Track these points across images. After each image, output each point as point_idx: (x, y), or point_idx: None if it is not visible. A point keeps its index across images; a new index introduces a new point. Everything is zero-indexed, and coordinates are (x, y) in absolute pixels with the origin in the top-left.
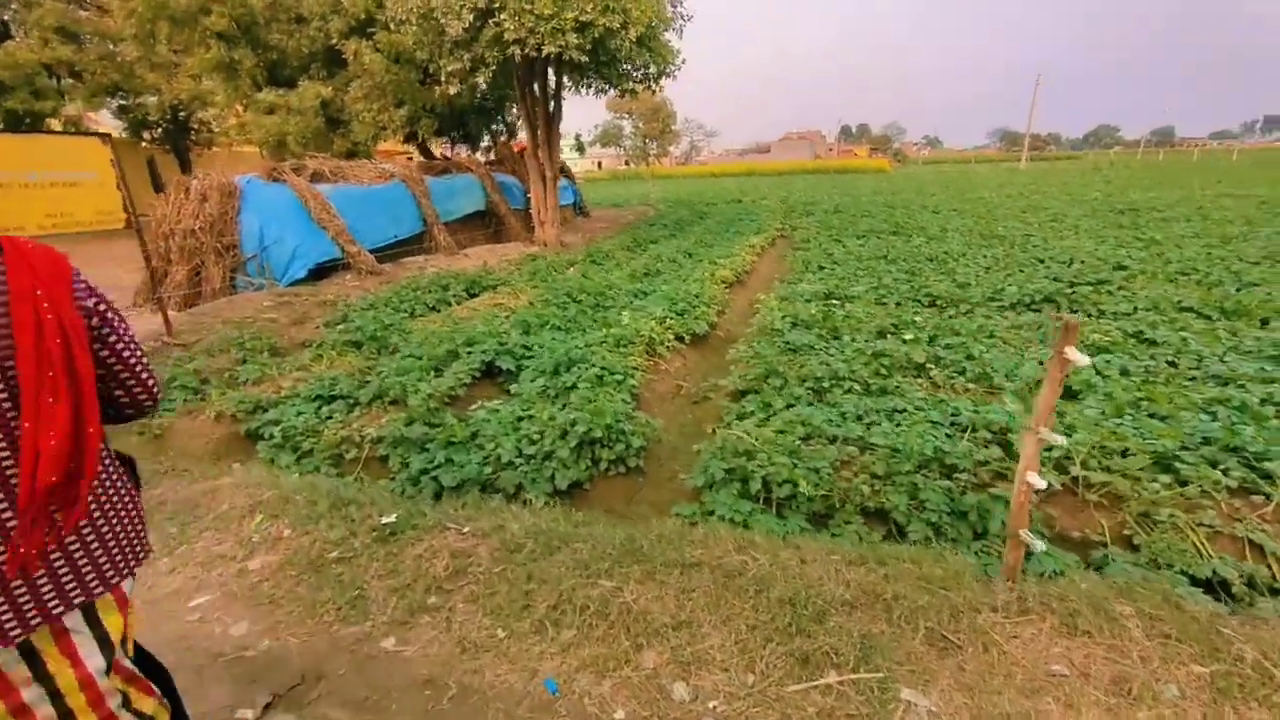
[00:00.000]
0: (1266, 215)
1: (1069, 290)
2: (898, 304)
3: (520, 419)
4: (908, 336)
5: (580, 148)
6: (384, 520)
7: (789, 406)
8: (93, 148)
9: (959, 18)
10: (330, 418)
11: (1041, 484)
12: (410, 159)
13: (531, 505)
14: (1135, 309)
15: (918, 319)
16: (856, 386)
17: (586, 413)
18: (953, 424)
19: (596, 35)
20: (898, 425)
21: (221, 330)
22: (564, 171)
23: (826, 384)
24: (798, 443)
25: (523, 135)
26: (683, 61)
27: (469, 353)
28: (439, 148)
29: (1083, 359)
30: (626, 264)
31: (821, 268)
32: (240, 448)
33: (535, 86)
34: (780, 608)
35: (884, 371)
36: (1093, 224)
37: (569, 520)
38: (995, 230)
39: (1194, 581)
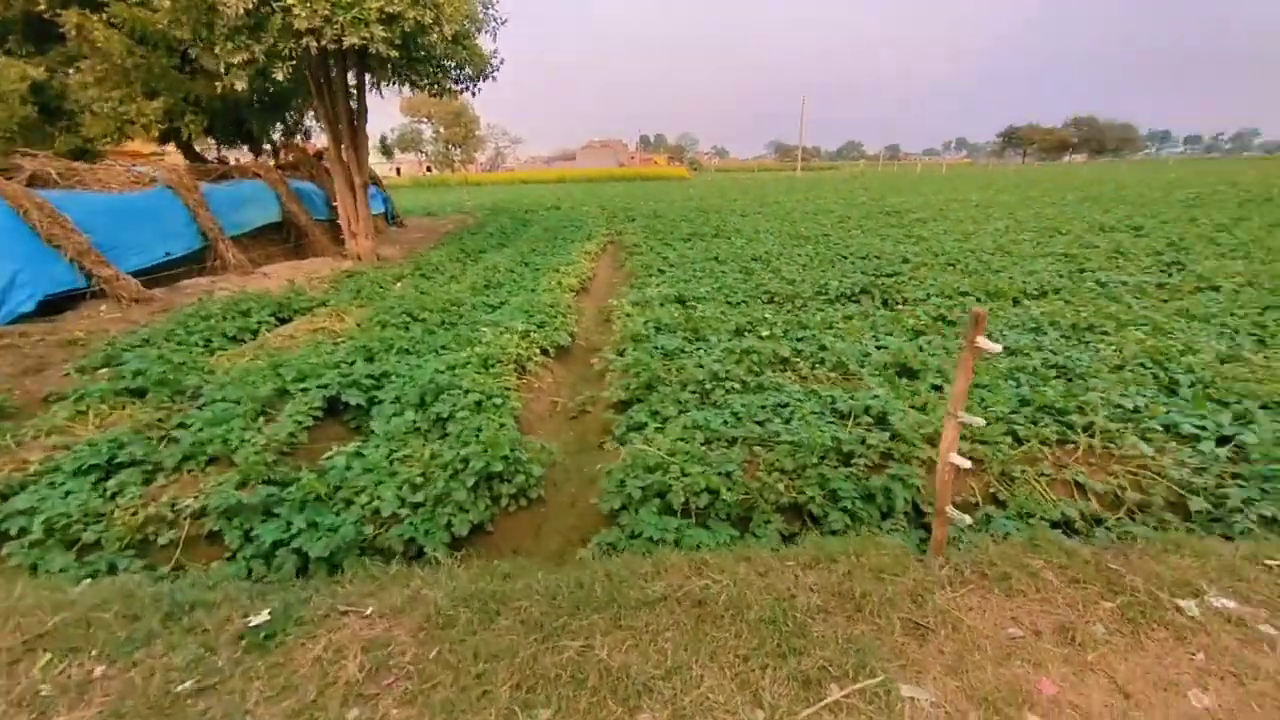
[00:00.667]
0: (983, 216)
1: (878, 282)
2: (743, 302)
3: (393, 462)
4: (764, 333)
5: (387, 151)
6: (253, 621)
7: (681, 412)
8: None
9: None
10: (119, 493)
11: (966, 464)
12: (161, 160)
13: (437, 564)
14: (928, 295)
15: (767, 316)
16: (735, 385)
17: (479, 445)
18: (833, 412)
19: (406, 29)
20: (787, 420)
21: None
22: (372, 178)
23: (708, 385)
24: (702, 449)
25: (316, 138)
26: (501, 63)
27: (303, 389)
28: (207, 149)
29: (994, 346)
30: (462, 276)
31: (661, 271)
32: None
33: (336, 83)
34: (762, 629)
35: (755, 369)
36: (871, 224)
37: (494, 575)
38: (799, 231)
39: (1052, 525)
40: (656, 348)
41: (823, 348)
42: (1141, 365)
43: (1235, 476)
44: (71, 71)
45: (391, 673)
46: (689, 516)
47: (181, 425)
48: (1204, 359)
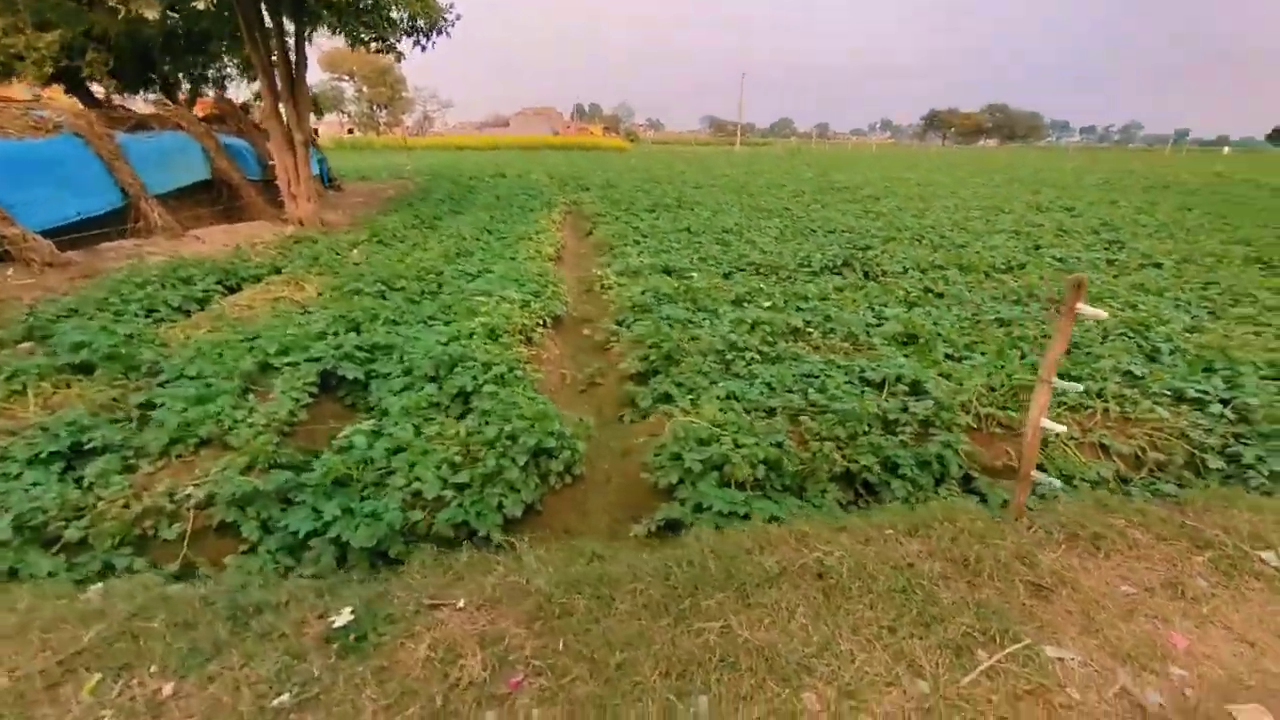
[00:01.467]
0: (929, 194)
1: (856, 255)
2: (729, 273)
3: (426, 440)
4: (765, 304)
5: (318, 110)
6: (336, 622)
7: (712, 383)
8: None
9: (675, 17)
10: (98, 484)
11: (1060, 429)
12: (37, 101)
13: (510, 549)
14: (905, 269)
15: (763, 287)
16: (755, 356)
17: (523, 420)
18: (861, 380)
19: None
20: (821, 390)
21: None
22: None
23: (728, 356)
24: (748, 419)
25: (238, 89)
26: (457, 17)
27: (290, 363)
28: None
29: (1098, 312)
30: (426, 244)
31: (637, 242)
32: None
33: (269, 27)
34: (896, 599)
35: (769, 339)
36: (826, 200)
37: (584, 556)
38: (759, 204)
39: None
40: (664, 318)
41: (828, 318)
42: (1124, 335)
43: (1238, 437)
44: None
45: (517, 670)
46: (742, 488)
47: (149, 405)
48: (1175, 329)
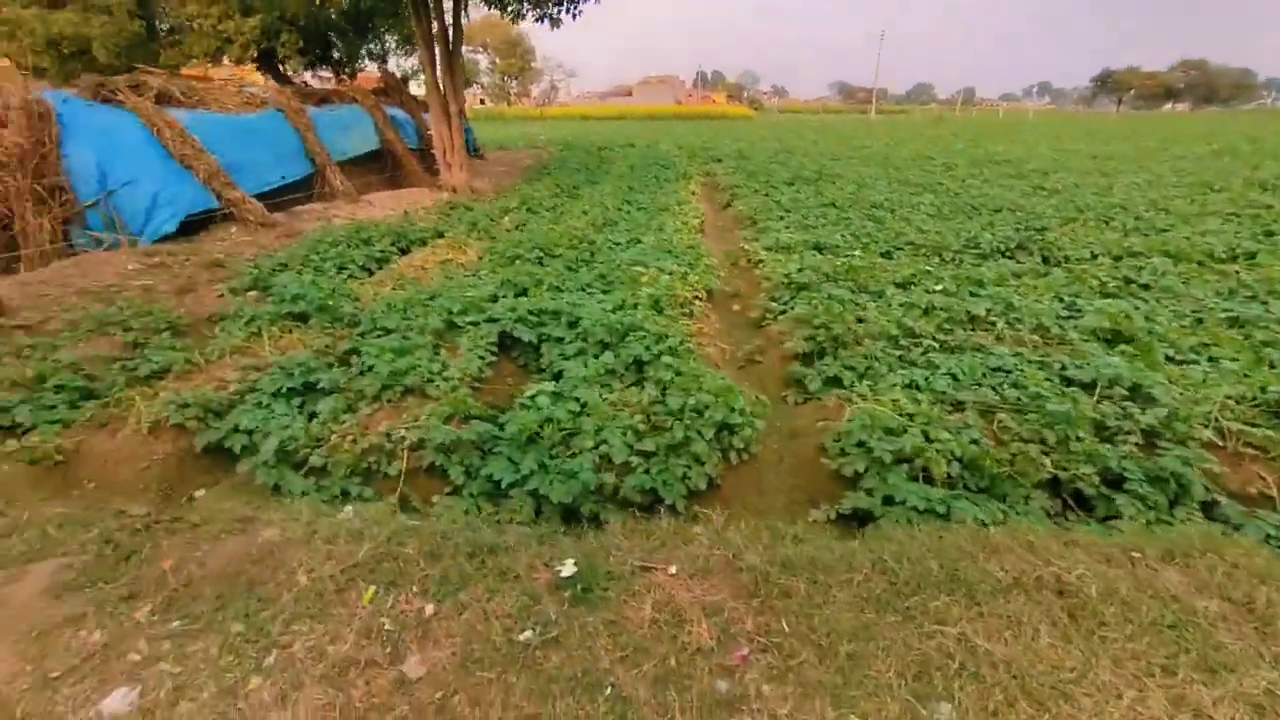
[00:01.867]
0: (1110, 169)
1: (1032, 237)
2: (887, 254)
3: (613, 406)
4: (936, 287)
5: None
6: (563, 572)
7: (889, 370)
8: None
9: None
10: (315, 416)
11: None
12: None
13: (704, 521)
14: (1094, 254)
15: (929, 269)
16: (932, 344)
17: (708, 393)
18: (1062, 379)
19: None
20: (1018, 385)
21: (76, 303)
22: None
23: (903, 342)
24: (937, 410)
25: (395, 63)
26: None
27: (472, 323)
28: (295, 74)
29: None
30: (572, 213)
31: (781, 217)
32: (202, 470)
33: (431, 2)
34: (1167, 636)
35: (945, 326)
36: (986, 174)
37: (784, 538)
38: (908, 178)
39: None
40: (827, 297)
41: (1010, 306)
42: None
43: None
44: None
45: (741, 643)
46: (933, 484)
47: (352, 352)
48: None
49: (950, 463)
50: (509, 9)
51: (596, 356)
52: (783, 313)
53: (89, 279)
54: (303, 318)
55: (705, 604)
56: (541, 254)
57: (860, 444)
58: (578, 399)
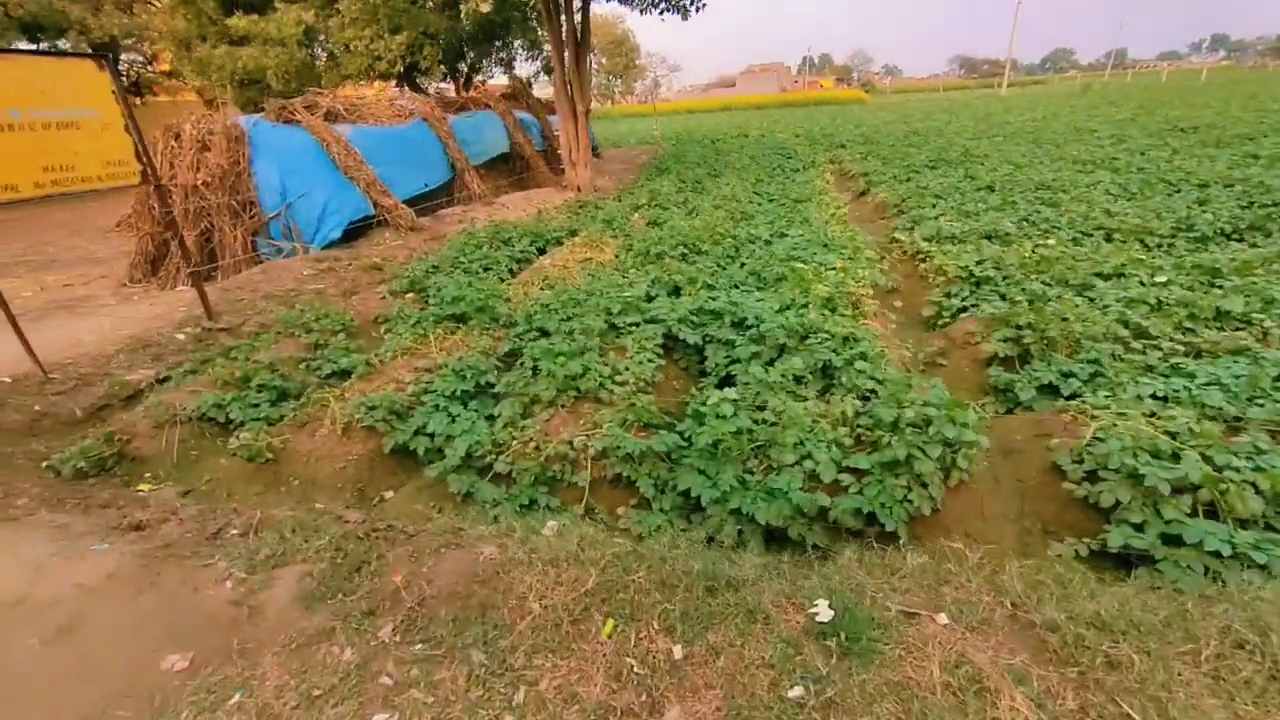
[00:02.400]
0: None
1: (1273, 215)
2: (1075, 240)
3: (812, 417)
4: (1160, 279)
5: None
6: (819, 615)
7: (1128, 378)
8: (87, 73)
9: None
10: (493, 420)
11: None
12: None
13: (951, 556)
14: None
15: (1140, 257)
16: (1175, 346)
17: (931, 405)
18: None
19: None
20: None
21: (265, 307)
22: None
23: (1134, 345)
24: (1213, 429)
25: (520, 68)
26: None
27: (632, 324)
28: (427, 86)
29: None
30: (704, 207)
31: (933, 204)
32: (390, 471)
33: (563, 3)
34: None
35: (1187, 326)
36: (1169, 144)
37: (1073, 586)
38: (1070, 155)
39: None
40: (1023, 292)
41: (1271, 301)
42: None
43: None
44: (329, 14)
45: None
46: (1220, 522)
47: (514, 354)
48: None
49: (1251, 498)
50: (637, 4)
51: (772, 361)
52: (962, 310)
53: (273, 284)
54: (462, 319)
55: (1005, 668)
56: (685, 250)
57: (1122, 469)
58: (763, 407)
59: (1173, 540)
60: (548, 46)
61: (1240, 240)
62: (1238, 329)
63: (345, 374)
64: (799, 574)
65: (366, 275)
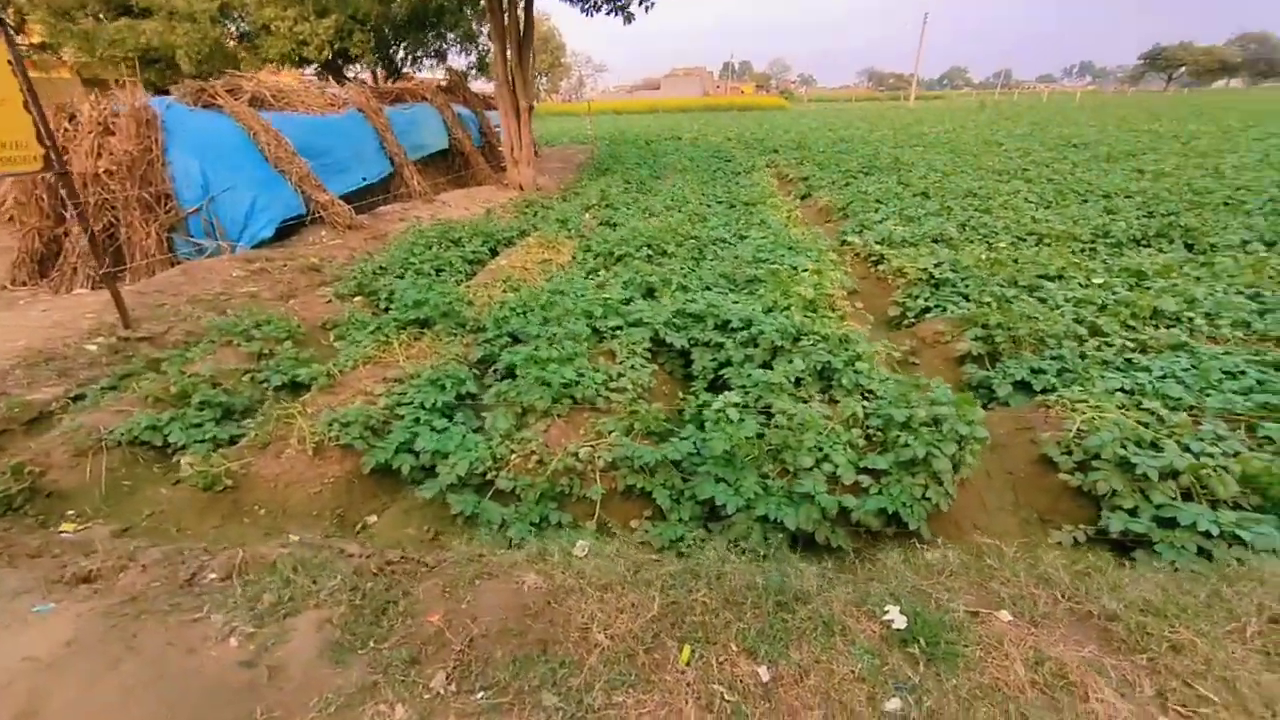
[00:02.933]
0: (1196, 149)
1: (1169, 224)
2: (1013, 244)
3: (825, 418)
4: (1095, 281)
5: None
6: (895, 623)
7: (1094, 374)
8: None
9: None
10: (481, 432)
11: None
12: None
13: (990, 548)
14: (1244, 240)
15: (1075, 260)
16: (1126, 344)
17: (943, 404)
18: None
19: None
20: (1264, 389)
21: (192, 313)
22: None
23: (1090, 342)
24: (1183, 420)
25: (453, 61)
26: None
27: (615, 328)
28: (354, 78)
29: None
30: (655, 208)
31: (875, 209)
32: (369, 494)
33: None
34: None
35: (1131, 324)
36: (1070, 158)
37: (1109, 573)
38: (986, 165)
39: None
40: (985, 293)
41: (1193, 301)
42: None
43: None
44: None
45: (1159, 714)
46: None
47: (487, 361)
48: None
49: (1230, 481)
50: (582, 5)
51: (766, 364)
52: (925, 311)
53: (198, 287)
54: (425, 324)
55: (1087, 661)
56: (650, 251)
57: (1106, 458)
58: (766, 410)
59: (1166, 523)
60: (484, 39)
61: (1148, 246)
62: (1170, 326)
63: (299, 386)
64: (858, 582)
65: (305, 277)
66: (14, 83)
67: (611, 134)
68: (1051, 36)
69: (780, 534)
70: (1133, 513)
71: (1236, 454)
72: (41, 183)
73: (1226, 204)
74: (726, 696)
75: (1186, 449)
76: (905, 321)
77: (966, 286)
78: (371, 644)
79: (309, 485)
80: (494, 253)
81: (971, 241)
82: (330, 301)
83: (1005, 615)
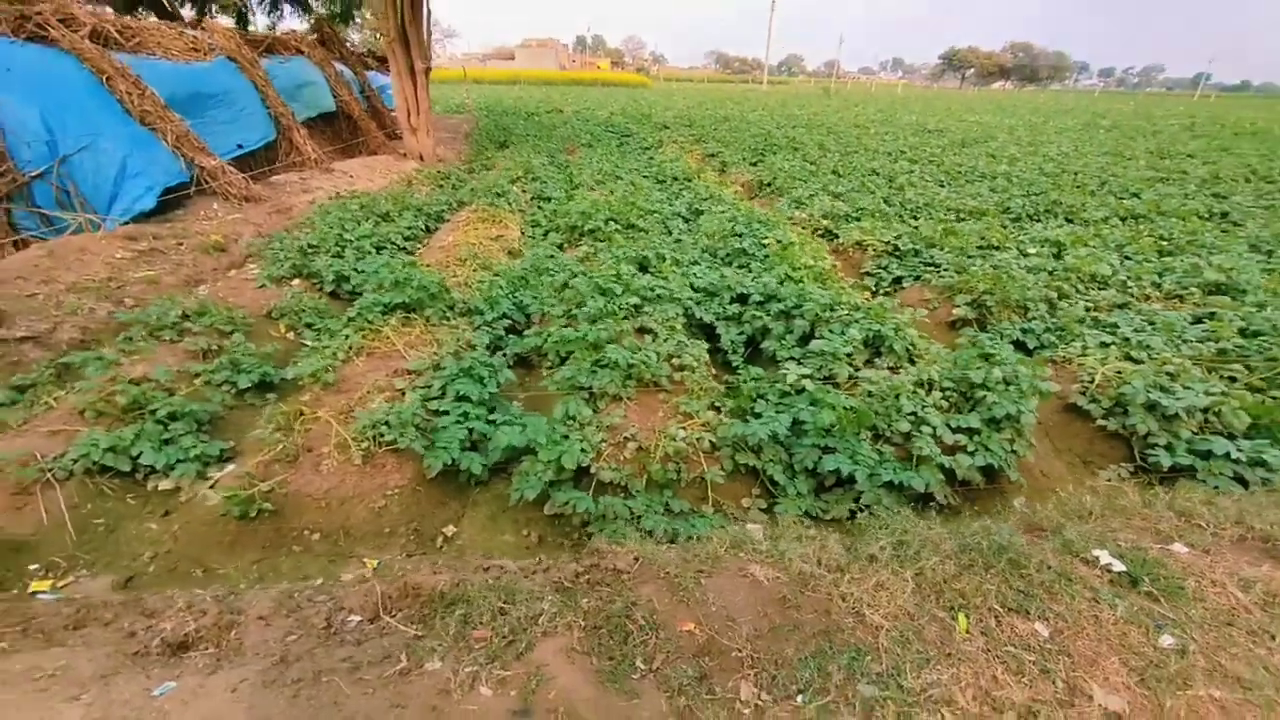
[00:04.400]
0: (1020, 139)
1: (1054, 202)
2: (946, 218)
3: (889, 394)
4: (1031, 250)
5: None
6: (1113, 566)
7: (1078, 332)
8: None
9: None
10: (586, 424)
11: None
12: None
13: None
14: (1105, 216)
15: (1000, 234)
16: (1087, 304)
17: (1006, 364)
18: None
19: None
20: (1215, 338)
21: (79, 304)
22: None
23: (1060, 304)
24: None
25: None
26: None
27: (634, 305)
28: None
29: None
30: (584, 181)
31: (803, 184)
32: (436, 502)
33: None
34: None
35: (1080, 288)
36: (934, 144)
37: (1214, 498)
38: (871, 148)
39: None
40: (949, 262)
41: (1113, 268)
42: None
43: None
44: None
45: None
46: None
47: (495, 346)
48: None
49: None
50: None
51: (806, 337)
52: (898, 280)
53: (74, 273)
54: (409, 308)
55: (1275, 579)
56: (617, 225)
57: (1140, 402)
58: (830, 379)
59: (1202, 455)
60: None
61: (1039, 221)
62: (1103, 289)
63: (267, 386)
64: (1040, 534)
65: (209, 258)
66: None
67: (486, 104)
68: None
69: (900, 497)
70: (1168, 448)
71: (1224, 393)
72: None
73: (1077, 186)
74: (1029, 658)
75: (1190, 390)
76: (881, 290)
77: (932, 256)
78: (640, 664)
79: (369, 499)
80: (427, 229)
81: (903, 217)
82: (264, 287)
83: (1180, 548)
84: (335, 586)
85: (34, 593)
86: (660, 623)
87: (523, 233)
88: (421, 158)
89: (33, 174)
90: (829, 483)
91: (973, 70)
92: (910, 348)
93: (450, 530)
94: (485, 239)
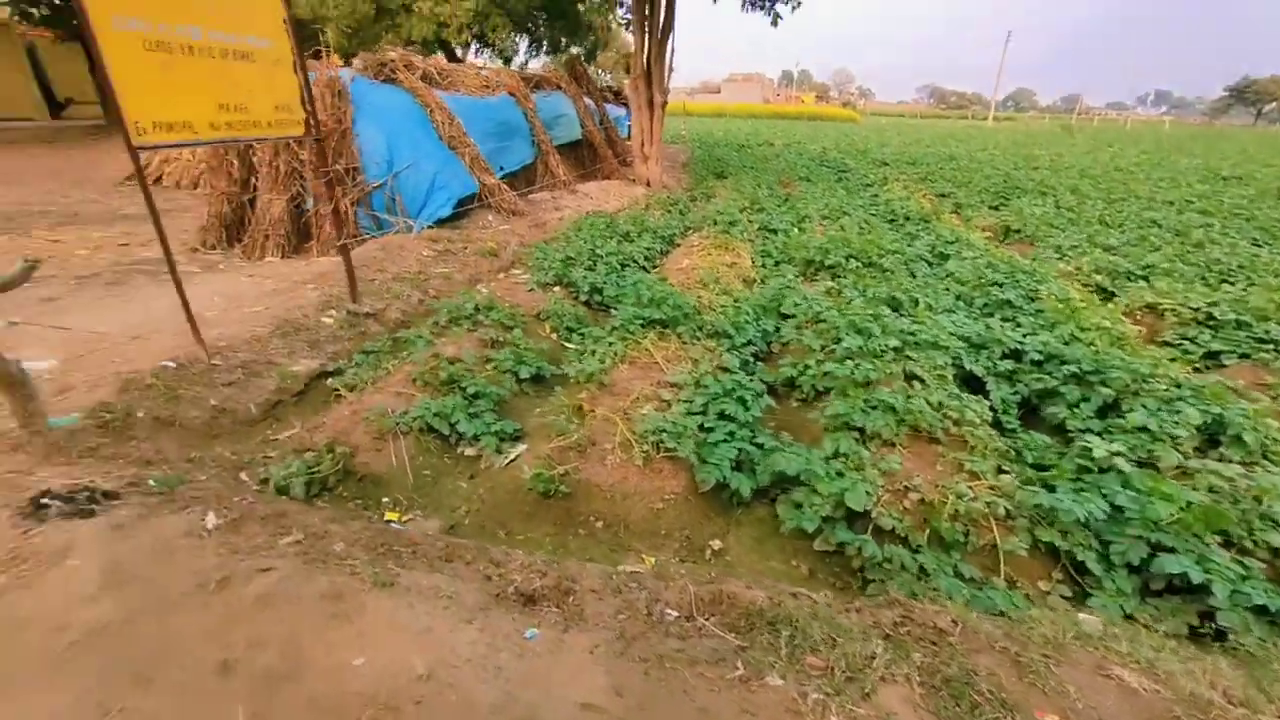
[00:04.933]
0: None
1: None
2: (1270, 288)
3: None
4: None
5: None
6: None
7: None
8: None
9: None
10: (860, 463)
11: None
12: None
13: None
14: None
15: None
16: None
17: None
18: None
19: None
20: None
21: (400, 290)
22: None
23: None
24: None
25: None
26: None
27: (894, 347)
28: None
29: None
30: (812, 215)
31: (1061, 232)
32: (704, 515)
33: None
34: None
35: None
36: (1234, 191)
37: None
38: (1134, 192)
39: None
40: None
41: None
42: None
43: None
44: None
45: None
46: None
47: (746, 372)
48: None
49: None
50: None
51: (1105, 409)
52: (1213, 355)
53: (397, 264)
54: (664, 325)
55: None
56: (858, 262)
57: None
58: (1155, 464)
59: None
60: (601, 29)
61: None
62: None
63: (540, 380)
64: None
65: (485, 261)
66: (288, 43)
67: (696, 135)
68: (1117, 62)
69: (1274, 627)
70: None
71: None
72: (234, 148)
73: None
74: None
75: None
76: (1191, 364)
77: (1268, 331)
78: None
79: (647, 499)
80: (663, 251)
81: (1208, 280)
82: (532, 290)
83: None
84: (644, 577)
85: (387, 521)
86: (1012, 704)
87: (753, 262)
88: (649, 184)
89: (374, 185)
90: (1155, 585)
91: (1274, 104)
92: (1268, 441)
93: (717, 544)
94: (720, 264)
